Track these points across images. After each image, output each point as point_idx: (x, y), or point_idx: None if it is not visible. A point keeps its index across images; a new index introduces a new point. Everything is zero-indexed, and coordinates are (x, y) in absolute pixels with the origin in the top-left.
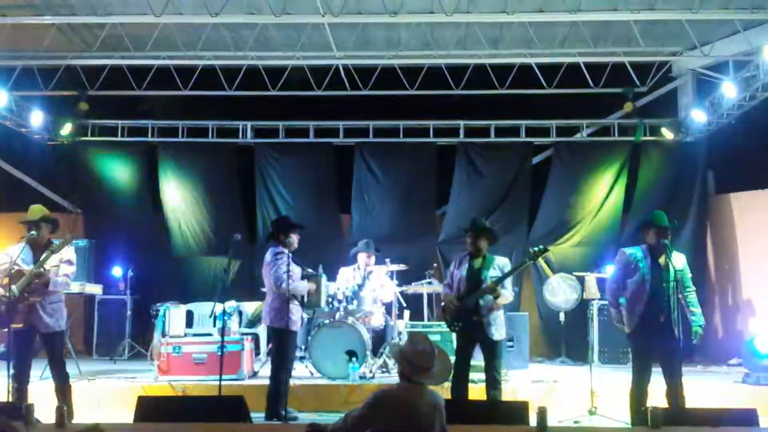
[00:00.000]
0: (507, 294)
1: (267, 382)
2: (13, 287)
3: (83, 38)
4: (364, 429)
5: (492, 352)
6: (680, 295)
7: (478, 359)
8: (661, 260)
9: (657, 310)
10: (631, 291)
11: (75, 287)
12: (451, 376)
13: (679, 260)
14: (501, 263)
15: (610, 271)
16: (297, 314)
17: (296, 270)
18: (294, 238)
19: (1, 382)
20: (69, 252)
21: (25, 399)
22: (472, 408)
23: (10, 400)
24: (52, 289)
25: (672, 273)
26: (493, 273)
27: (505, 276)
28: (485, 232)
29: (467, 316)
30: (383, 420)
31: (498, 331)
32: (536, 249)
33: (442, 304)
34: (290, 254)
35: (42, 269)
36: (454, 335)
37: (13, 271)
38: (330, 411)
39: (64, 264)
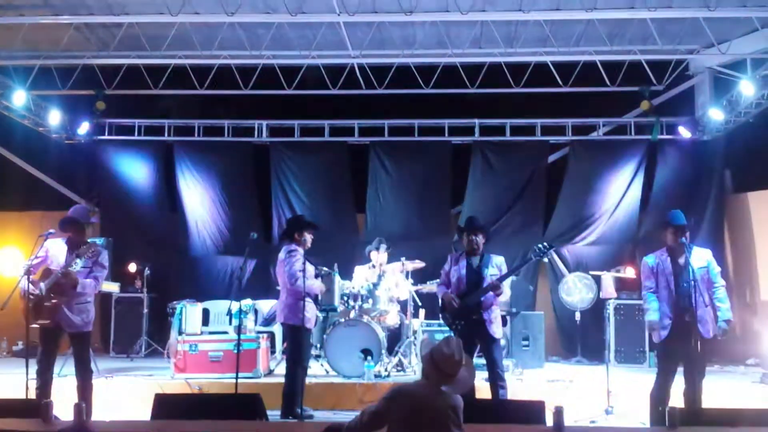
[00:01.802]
0: (507, 291)
1: (283, 380)
2: (42, 285)
3: (100, 38)
4: (380, 423)
5: (493, 349)
6: (709, 292)
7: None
8: (681, 260)
9: (682, 311)
10: (659, 296)
11: None
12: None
13: (702, 256)
14: (498, 261)
15: (626, 270)
16: (311, 312)
17: (310, 269)
18: (308, 237)
19: (20, 379)
20: (103, 255)
21: (48, 396)
22: (489, 407)
23: (30, 396)
24: (79, 290)
25: (692, 272)
26: (492, 271)
27: (509, 273)
28: (482, 230)
29: (468, 314)
30: (398, 414)
31: (498, 329)
32: (540, 246)
33: (441, 302)
34: (304, 253)
35: (68, 271)
36: None
37: (45, 268)
38: (345, 409)
39: (96, 266)
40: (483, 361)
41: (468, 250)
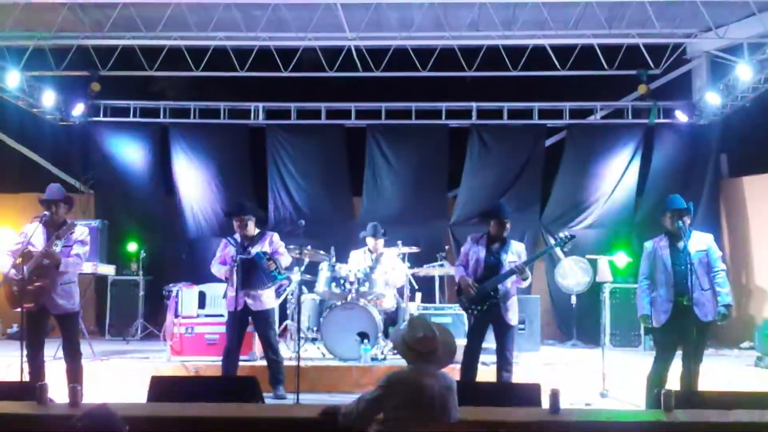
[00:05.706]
0: (530, 278)
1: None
2: (24, 268)
3: (95, 18)
4: (376, 411)
5: (506, 336)
6: (708, 276)
7: (488, 341)
8: (680, 244)
9: (680, 295)
10: (658, 281)
11: (87, 267)
12: (461, 357)
13: (702, 241)
14: (518, 248)
15: (622, 257)
16: (229, 293)
17: (231, 251)
18: (234, 224)
19: (15, 362)
20: (82, 232)
21: (41, 378)
22: (485, 390)
23: (25, 379)
24: (63, 269)
25: (688, 255)
26: (511, 258)
27: (528, 261)
28: (509, 218)
29: (485, 300)
30: (395, 402)
31: (514, 315)
32: (562, 236)
33: (457, 285)
34: (233, 238)
35: (50, 251)
36: (465, 317)
37: (25, 251)
38: (341, 392)
39: (77, 244)
40: (493, 345)
41: (493, 233)
